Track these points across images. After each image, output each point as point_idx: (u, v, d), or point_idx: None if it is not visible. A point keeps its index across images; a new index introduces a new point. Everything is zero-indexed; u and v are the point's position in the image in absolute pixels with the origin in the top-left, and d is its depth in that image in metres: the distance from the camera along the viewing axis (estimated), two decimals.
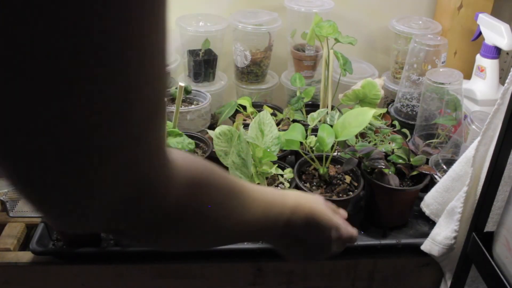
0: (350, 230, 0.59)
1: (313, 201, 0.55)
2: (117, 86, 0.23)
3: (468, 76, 1.12)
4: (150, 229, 0.35)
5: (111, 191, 0.28)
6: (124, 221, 0.31)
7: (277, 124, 1.06)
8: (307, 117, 0.99)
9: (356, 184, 0.87)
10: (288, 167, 0.91)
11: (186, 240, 0.41)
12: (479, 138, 0.73)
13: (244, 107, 1.11)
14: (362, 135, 0.99)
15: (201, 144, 0.98)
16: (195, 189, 0.36)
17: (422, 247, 0.82)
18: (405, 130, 1.06)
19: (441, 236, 0.79)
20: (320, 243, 0.57)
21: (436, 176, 0.91)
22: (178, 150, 0.36)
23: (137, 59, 0.24)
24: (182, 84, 0.92)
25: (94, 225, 0.30)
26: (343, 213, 0.61)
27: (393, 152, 0.91)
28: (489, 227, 0.71)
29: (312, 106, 1.14)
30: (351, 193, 0.86)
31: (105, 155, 0.26)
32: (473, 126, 0.88)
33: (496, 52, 1.07)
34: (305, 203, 0.53)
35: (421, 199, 0.89)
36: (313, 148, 0.93)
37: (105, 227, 0.31)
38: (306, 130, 0.95)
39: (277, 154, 0.91)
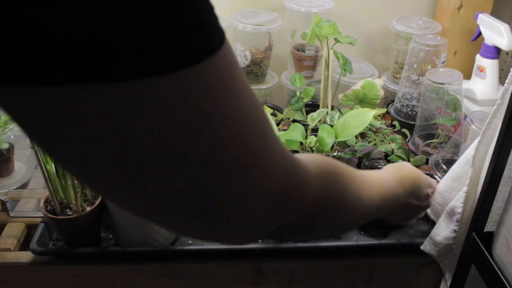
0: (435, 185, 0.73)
1: (408, 168, 0.67)
2: (246, 136, 0.28)
3: (468, 76, 1.12)
4: (300, 226, 0.39)
5: (266, 203, 0.31)
6: (277, 223, 0.35)
7: (277, 124, 1.06)
8: (307, 117, 0.99)
9: None
10: None
11: (330, 228, 0.45)
12: (479, 138, 0.73)
13: None
14: (362, 135, 0.99)
15: None
16: (327, 180, 0.40)
17: (422, 247, 0.82)
18: (405, 130, 1.06)
19: (441, 236, 0.78)
20: (424, 204, 0.70)
21: (436, 176, 0.91)
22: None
23: (253, 117, 0.28)
24: None
25: (255, 237, 0.35)
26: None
27: (393, 152, 0.91)
28: (489, 227, 0.71)
29: (312, 106, 1.14)
30: None
31: (253, 184, 0.29)
32: (473, 126, 0.88)
33: (496, 52, 1.07)
34: (405, 174, 0.64)
35: None
36: (313, 148, 0.93)
37: (262, 236, 0.37)
38: (306, 130, 0.95)
39: None
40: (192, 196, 0.27)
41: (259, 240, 0.38)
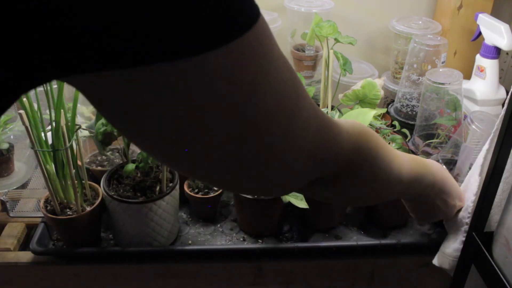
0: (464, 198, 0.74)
1: (447, 172, 0.69)
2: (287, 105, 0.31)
3: (468, 76, 1.12)
4: (331, 181, 0.42)
5: (303, 154, 0.35)
6: (313, 174, 0.39)
7: None
8: None
9: None
10: None
11: (358, 189, 0.47)
12: (487, 147, 0.72)
13: None
14: None
15: None
16: (360, 141, 0.43)
17: (434, 261, 0.81)
18: (405, 130, 1.06)
19: (450, 248, 0.77)
20: (448, 212, 0.71)
21: None
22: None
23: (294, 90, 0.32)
24: None
25: (291, 188, 0.40)
26: None
27: None
28: (489, 227, 0.71)
29: None
30: None
31: (298, 138, 0.33)
32: (473, 126, 0.88)
33: (496, 52, 1.07)
34: (442, 172, 0.66)
35: None
36: None
37: (297, 188, 0.41)
38: None
39: None
40: (242, 151, 0.31)
41: (297, 188, 0.42)
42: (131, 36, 0.23)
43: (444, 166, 0.91)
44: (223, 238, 0.89)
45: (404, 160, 0.53)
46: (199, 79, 0.25)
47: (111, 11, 0.22)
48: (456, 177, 0.86)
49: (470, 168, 0.84)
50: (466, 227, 0.74)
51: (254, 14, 0.27)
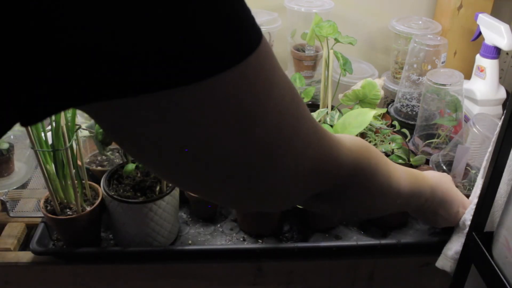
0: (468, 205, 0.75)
1: (447, 180, 0.69)
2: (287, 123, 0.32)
3: (468, 76, 1.12)
4: (331, 197, 0.43)
5: (303, 172, 0.36)
6: (312, 190, 0.39)
7: None
8: None
9: None
10: None
11: (357, 203, 0.48)
12: (490, 149, 0.72)
13: None
14: (362, 135, 0.99)
15: None
16: (360, 157, 0.43)
17: (436, 264, 0.81)
18: (405, 130, 1.06)
19: (452, 250, 0.77)
20: (451, 220, 0.72)
21: None
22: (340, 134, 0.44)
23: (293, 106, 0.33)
24: None
25: (291, 203, 0.41)
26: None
27: (393, 152, 0.91)
28: (489, 227, 0.71)
29: (312, 106, 1.14)
30: None
31: (294, 157, 0.34)
32: (474, 129, 0.88)
33: (496, 52, 1.07)
34: (442, 184, 0.66)
35: None
36: None
37: (298, 202, 0.42)
38: None
39: None
40: (242, 170, 0.31)
41: (297, 204, 0.43)
42: (141, 64, 0.23)
43: (444, 167, 0.91)
44: (223, 238, 0.89)
45: (402, 175, 0.53)
46: (206, 102, 0.26)
47: (119, 43, 0.22)
48: (452, 177, 0.86)
49: (467, 168, 0.84)
50: (467, 229, 0.74)
51: (257, 36, 0.27)
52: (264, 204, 0.39)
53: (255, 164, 0.31)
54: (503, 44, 1.03)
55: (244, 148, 0.30)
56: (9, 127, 0.25)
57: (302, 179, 0.36)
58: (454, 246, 0.77)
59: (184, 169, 0.31)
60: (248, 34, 0.27)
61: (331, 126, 0.91)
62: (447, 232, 0.81)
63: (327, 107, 1.09)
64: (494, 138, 0.71)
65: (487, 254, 0.67)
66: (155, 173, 0.44)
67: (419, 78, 1.09)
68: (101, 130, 0.78)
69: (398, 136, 0.96)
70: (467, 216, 0.74)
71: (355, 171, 0.43)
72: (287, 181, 0.35)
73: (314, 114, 0.97)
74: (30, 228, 0.91)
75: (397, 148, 0.92)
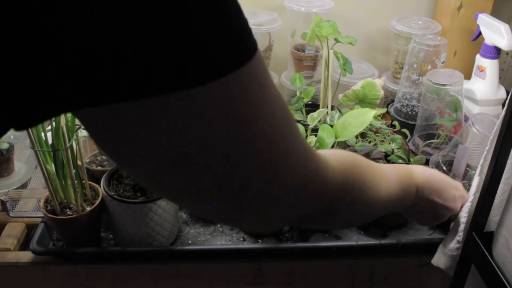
0: (460, 206, 0.74)
1: (437, 178, 0.68)
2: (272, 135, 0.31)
3: (468, 76, 1.12)
4: (320, 216, 0.42)
5: (289, 195, 0.35)
6: (298, 213, 0.39)
7: None
8: (307, 117, 0.99)
9: None
10: None
11: (347, 219, 0.48)
12: (487, 147, 0.72)
13: None
14: (362, 135, 0.99)
15: None
16: (347, 175, 0.43)
17: (432, 261, 0.81)
18: (405, 130, 1.06)
19: (447, 247, 0.78)
20: (450, 205, 0.71)
21: None
22: (324, 150, 0.44)
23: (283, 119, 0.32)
24: None
25: (279, 223, 0.40)
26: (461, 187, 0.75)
27: (393, 152, 0.91)
28: (489, 227, 0.71)
29: (312, 106, 1.14)
30: None
31: (280, 176, 0.33)
32: (473, 129, 0.88)
33: (496, 52, 1.07)
34: (430, 181, 0.65)
35: None
36: None
37: (285, 223, 0.44)
38: (306, 130, 0.94)
39: None
40: (227, 187, 0.31)
41: (283, 225, 0.42)
42: (135, 69, 0.23)
43: (444, 167, 0.92)
44: (223, 238, 0.89)
45: (390, 178, 0.53)
46: (198, 109, 0.26)
47: (119, 50, 0.22)
48: (453, 178, 0.86)
49: (466, 169, 0.84)
50: (462, 227, 0.74)
51: (253, 47, 0.28)
52: (252, 221, 0.38)
53: (240, 177, 0.31)
54: (503, 44, 1.03)
55: (232, 160, 0.29)
56: (7, 128, 0.25)
57: (290, 199, 0.36)
58: (449, 243, 0.78)
59: (168, 178, 0.30)
60: (245, 45, 0.27)
61: (331, 126, 0.91)
62: (447, 232, 0.81)
63: (327, 107, 1.09)
64: (491, 137, 0.71)
65: (487, 254, 0.67)
66: (137, 180, 0.44)
67: (419, 78, 1.09)
68: None
69: (398, 136, 0.96)
70: (463, 214, 0.74)
71: (342, 193, 0.42)
72: (275, 201, 0.34)
73: (314, 114, 0.97)
74: (30, 228, 0.91)
75: (397, 148, 0.92)
